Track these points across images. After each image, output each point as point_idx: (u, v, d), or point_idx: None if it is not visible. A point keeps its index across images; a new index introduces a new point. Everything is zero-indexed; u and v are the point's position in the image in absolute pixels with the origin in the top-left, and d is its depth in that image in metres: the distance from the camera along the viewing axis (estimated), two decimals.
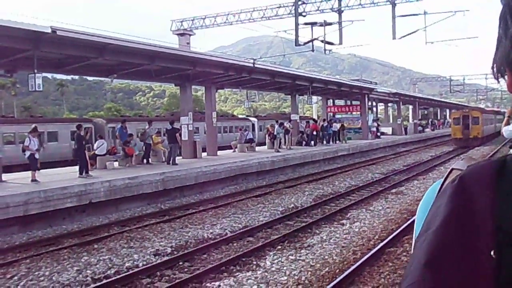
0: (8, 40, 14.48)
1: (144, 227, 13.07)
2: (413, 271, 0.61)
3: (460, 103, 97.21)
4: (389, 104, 64.28)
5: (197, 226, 13.12)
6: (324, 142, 33.61)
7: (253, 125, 46.26)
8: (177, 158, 21.26)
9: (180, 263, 9.80)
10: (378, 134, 43.53)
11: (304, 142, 32.07)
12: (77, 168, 17.06)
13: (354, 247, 10.53)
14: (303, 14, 28.76)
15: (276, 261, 9.62)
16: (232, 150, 28.33)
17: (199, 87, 36.96)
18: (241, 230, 12.42)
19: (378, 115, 55.90)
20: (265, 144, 31.29)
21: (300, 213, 14.66)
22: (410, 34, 28.43)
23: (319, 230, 12.32)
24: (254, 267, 9.33)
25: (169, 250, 10.84)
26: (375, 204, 15.82)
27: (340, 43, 28.09)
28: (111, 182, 15.69)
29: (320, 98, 45.03)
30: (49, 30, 14.50)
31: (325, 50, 29.68)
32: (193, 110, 26.11)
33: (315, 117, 46.52)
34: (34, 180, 14.92)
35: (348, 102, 45.33)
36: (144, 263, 9.84)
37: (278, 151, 26.69)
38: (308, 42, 28.55)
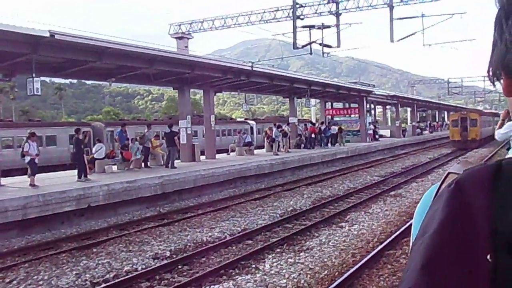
0: (6, 44, 14.48)
1: (143, 231, 13.05)
2: (409, 275, 0.61)
3: (458, 105, 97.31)
4: (387, 107, 64.30)
5: (196, 229, 13.11)
6: (323, 144, 33.61)
7: (251, 128, 46.29)
8: (175, 161, 21.24)
9: (179, 266, 9.79)
10: (376, 136, 43.56)
11: (302, 145, 32.08)
12: (75, 172, 17.05)
13: (353, 250, 10.53)
14: (301, 17, 28.78)
15: (275, 264, 9.61)
16: (226, 154, 28.23)
17: (198, 91, 36.96)
18: (240, 234, 12.41)
19: (377, 118, 55.95)
20: (263, 147, 31.28)
21: (299, 216, 14.66)
22: (408, 36, 28.49)
23: (318, 233, 12.32)
24: (253, 270, 9.33)
25: (168, 253, 10.83)
26: (374, 206, 15.82)
27: (338, 46, 28.10)
28: (109, 186, 15.68)
29: (318, 101, 45.06)
30: (48, 34, 14.51)
31: (323, 53, 29.67)
32: (192, 114, 26.11)
33: (313, 120, 46.51)
34: (33, 185, 14.88)
35: (346, 105, 45.34)
36: (143, 266, 9.82)
37: (276, 154, 26.70)
38: (306, 45, 28.57)
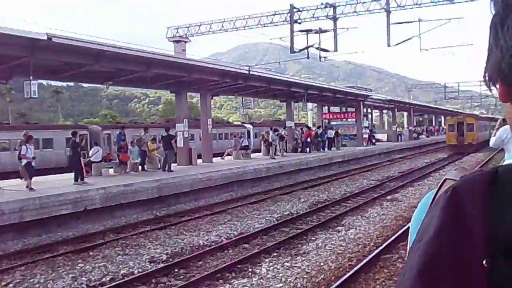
0: (4, 47, 14.47)
1: (140, 234, 13.04)
2: (406, 281, 0.62)
3: (455, 109, 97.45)
4: (384, 111, 64.41)
5: (192, 233, 13.10)
6: (320, 149, 33.61)
7: (248, 132, 46.24)
8: (172, 165, 21.22)
9: (176, 270, 9.78)
10: (373, 141, 43.59)
11: (299, 149, 32.08)
12: (72, 175, 17.02)
13: (350, 254, 10.54)
14: (298, 21, 28.85)
15: (271, 268, 9.61)
16: (221, 158, 28.17)
17: (195, 94, 36.94)
18: (237, 237, 12.41)
19: (374, 122, 55.98)
20: (260, 151, 31.28)
21: (296, 220, 14.66)
22: (404, 41, 28.58)
23: (314, 237, 12.32)
24: (250, 274, 9.32)
25: (164, 257, 10.82)
26: (370, 210, 15.83)
27: (335, 50, 28.17)
28: (106, 189, 15.65)
29: (315, 105, 45.10)
30: (45, 37, 14.51)
31: (320, 57, 29.72)
32: (189, 117, 26.10)
33: (310, 124, 46.53)
34: (30, 188, 14.83)
35: (343, 109, 45.40)
36: (140, 270, 9.81)
37: (273, 158, 26.70)
38: (304, 49, 28.62)
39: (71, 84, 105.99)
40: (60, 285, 8.89)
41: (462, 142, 41.34)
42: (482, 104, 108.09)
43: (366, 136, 41.50)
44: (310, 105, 43.62)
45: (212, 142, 27.95)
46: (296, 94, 32.62)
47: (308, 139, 32.78)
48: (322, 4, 28.19)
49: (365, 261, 9.52)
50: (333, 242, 11.66)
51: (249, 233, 12.81)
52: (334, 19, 27.97)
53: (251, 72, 24.92)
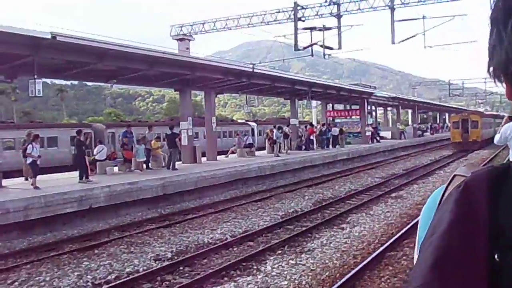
0: (8, 46, 14.51)
1: (145, 232, 13.07)
2: (419, 273, 0.63)
3: (459, 107, 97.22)
4: (389, 109, 64.31)
5: (197, 231, 13.12)
6: (324, 147, 33.56)
7: (252, 129, 46.24)
8: (177, 163, 21.24)
9: (181, 268, 9.80)
10: (378, 138, 43.49)
11: (303, 147, 32.06)
12: (77, 173, 17.07)
13: (354, 251, 10.53)
14: (302, 19, 28.79)
15: (276, 265, 9.62)
16: (225, 156, 28.17)
17: (199, 92, 36.94)
18: (241, 235, 12.42)
19: (378, 119, 55.87)
20: (264, 149, 31.28)
21: (300, 217, 14.66)
22: (409, 38, 28.51)
23: (319, 234, 12.32)
24: (255, 271, 9.33)
25: (169, 255, 10.85)
26: (375, 208, 15.81)
27: (339, 47, 28.14)
28: (111, 187, 15.69)
29: (319, 102, 45.05)
30: (49, 36, 14.54)
31: (324, 54, 29.74)
32: (193, 115, 26.12)
33: (314, 121, 46.50)
34: (35, 186, 14.88)
35: (348, 107, 45.34)
36: (145, 268, 9.83)
37: (277, 156, 26.70)
38: (307, 47, 28.60)
39: (75, 82, 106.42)
40: (66, 283, 8.92)
41: (466, 139, 41.25)
42: (487, 101, 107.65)
43: (368, 133, 41.32)
44: (314, 102, 43.55)
45: (216, 140, 27.98)
46: (300, 92, 32.60)
47: (312, 137, 32.77)
48: (326, 1, 28.11)
49: (369, 258, 9.52)
50: (337, 240, 11.66)
51: (253, 231, 12.82)
52: (338, 16, 27.92)
53: (255, 70, 24.92)
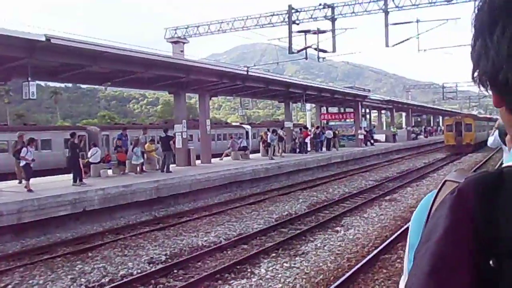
0: (2, 48, 14.44)
1: (138, 235, 13.04)
2: (416, 280, 0.63)
3: (453, 110, 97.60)
4: (383, 111, 64.43)
5: (191, 234, 13.11)
6: (319, 149, 33.59)
7: (247, 132, 46.21)
8: (171, 166, 21.21)
9: (175, 271, 9.78)
10: (371, 141, 43.55)
11: (298, 150, 32.07)
12: (71, 176, 17.01)
13: (349, 254, 10.55)
14: (297, 22, 28.86)
15: (270, 268, 9.62)
16: (219, 158, 28.13)
17: (193, 95, 36.90)
18: (236, 238, 12.41)
19: (372, 122, 55.99)
20: (259, 152, 31.28)
21: (294, 220, 14.66)
22: (402, 41, 28.65)
23: (313, 237, 12.33)
24: (249, 274, 9.33)
25: (163, 258, 10.83)
26: (369, 211, 15.84)
27: (334, 50, 28.21)
28: (105, 190, 15.66)
29: (313, 105, 45.10)
30: (44, 38, 14.49)
31: (318, 57, 29.76)
32: (187, 118, 26.09)
33: (308, 124, 46.54)
34: (29, 189, 14.82)
35: (342, 110, 45.40)
36: (139, 271, 9.81)
37: (272, 159, 26.70)
38: (302, 50, 28.66)
39: (69, 85, 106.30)
40: (59, 286, 8.89)
41: (460, 142, 41.37)
42: (480, 104, 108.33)
43: (361, 136, 41.28)
44: (308, 105, 43.59)
45: (210, 143, 27.94)
46: (294, 95, 32.61)
47: (306, 140, 32.78)
48: (320, 4, 28.22)
49: (364, 261, 9.54)
50: (332, 243, 11.67)
51: (248, 234, 12.82)
52: (332, 19, 28.00)
53: (249, 73, 24.92)
